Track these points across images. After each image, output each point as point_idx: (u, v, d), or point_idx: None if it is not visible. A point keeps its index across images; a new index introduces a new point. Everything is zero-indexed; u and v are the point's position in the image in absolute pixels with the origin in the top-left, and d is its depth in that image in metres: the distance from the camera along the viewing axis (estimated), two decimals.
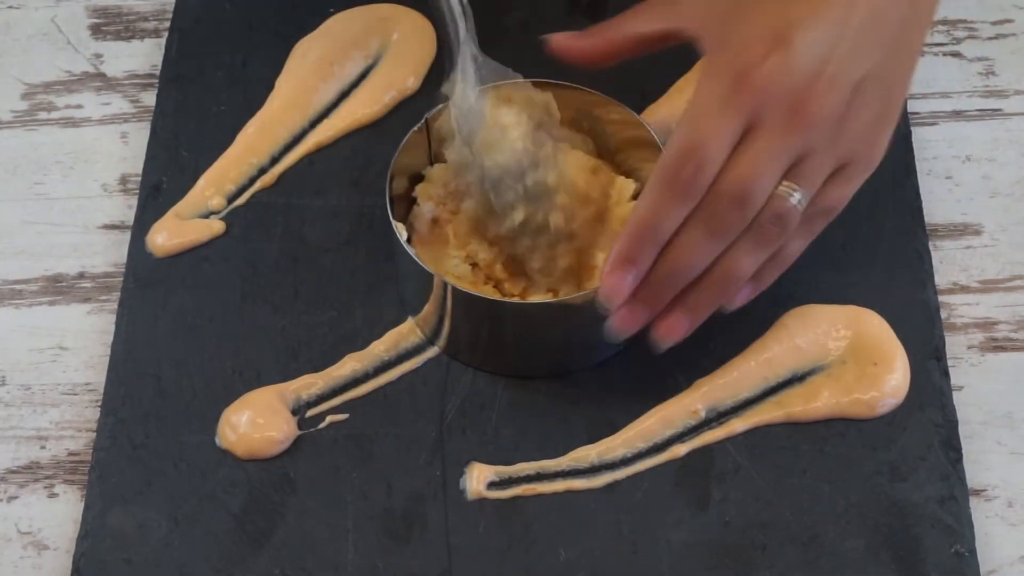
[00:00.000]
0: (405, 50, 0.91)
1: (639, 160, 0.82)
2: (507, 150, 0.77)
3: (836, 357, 0.80)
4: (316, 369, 0.81)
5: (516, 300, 0.78)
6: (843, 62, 0.70)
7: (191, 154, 0.88)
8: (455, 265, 0.80)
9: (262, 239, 0.85)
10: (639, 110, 0.84)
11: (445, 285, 0.77)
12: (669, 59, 0.82)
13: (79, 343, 0.83)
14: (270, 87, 0.90)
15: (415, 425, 0.79)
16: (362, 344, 0.81)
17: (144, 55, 0.94)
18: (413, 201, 0.83)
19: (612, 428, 0.78)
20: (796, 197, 0.71)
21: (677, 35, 0.75)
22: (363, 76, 0.90)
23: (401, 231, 0.79)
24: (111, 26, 0.96)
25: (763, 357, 0.80)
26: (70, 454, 0.80)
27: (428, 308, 0.79)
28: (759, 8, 0.70)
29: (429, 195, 0.82)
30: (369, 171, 0.86)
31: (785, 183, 0.71)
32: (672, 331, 0.74)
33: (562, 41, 0.78)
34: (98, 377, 0.82)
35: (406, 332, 0.82)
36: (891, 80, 0.72)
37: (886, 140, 0.73)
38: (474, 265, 0.80)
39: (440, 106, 0.80)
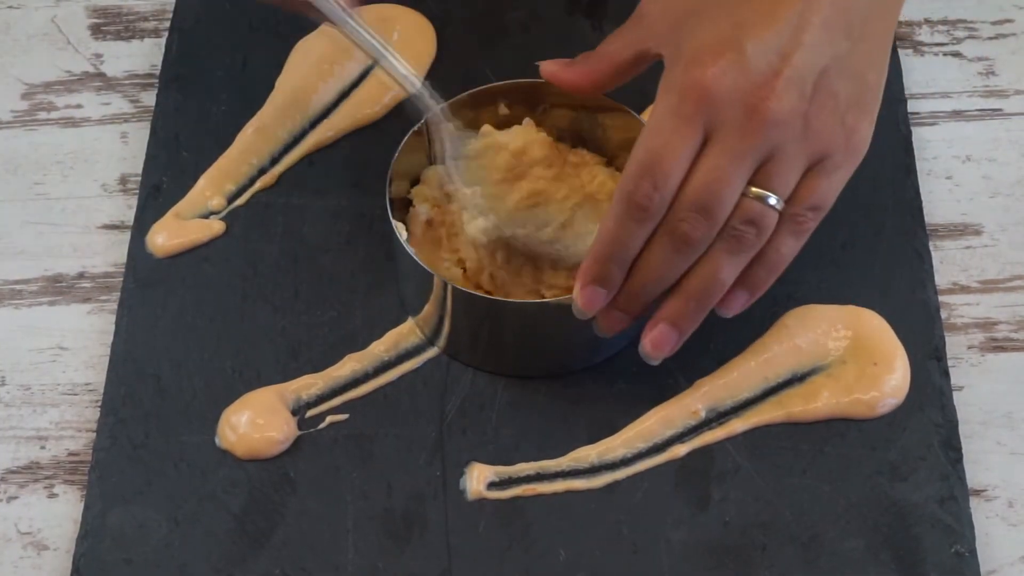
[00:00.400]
0: (405, 50, 0.91)
1: None
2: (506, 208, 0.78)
3: (836, 357, 0.80)
4: (316, 369, 0.81)
5: (516, 300, 0.78)
6: (800, 59, 0.69)
7: (191, 154, 0.88)
8: (446, 268, 0.80)
9: (262, 239, 0.85)
10: (639, 110, 0.84)
11: (445, 285, 0.77)
12: None
13: (79, 343, 0.83)
14: (270, 87, 0.90)
15: (415, 425, 0.79)
16: (362, 344, 0.81)
17: (144, 55, 0.94)
18: (411, 202, 0.83)
19: (612, 428, 0.78)
20: (769, 199, 0.71)
21: (646, 56, 0.75)
22: (363, 76, 0.90)
23: (401, 231, 0.79)
24: (111, 26, 0.96)
25: (763, 357, 0.80)
26: (70, 454, 0.80)
27: (428, 308, 0.79)
28: (709, 19, 0.70)
29: (424, 197, 0.82)
30: (369, 171, 0.86)
31: (754, 187, 0.70)
32: (660, 344, 0.74)
33: (551, 70, 0.78)
34: (98, 377, 0.82)
35: (406, 332, 0.82)
36: (861, 67, 0.71)
37: (867, 127, 0.72)
38: (464, 270, 0.80)
39: (440, 107, 0.80)
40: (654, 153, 0.70)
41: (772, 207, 0.71)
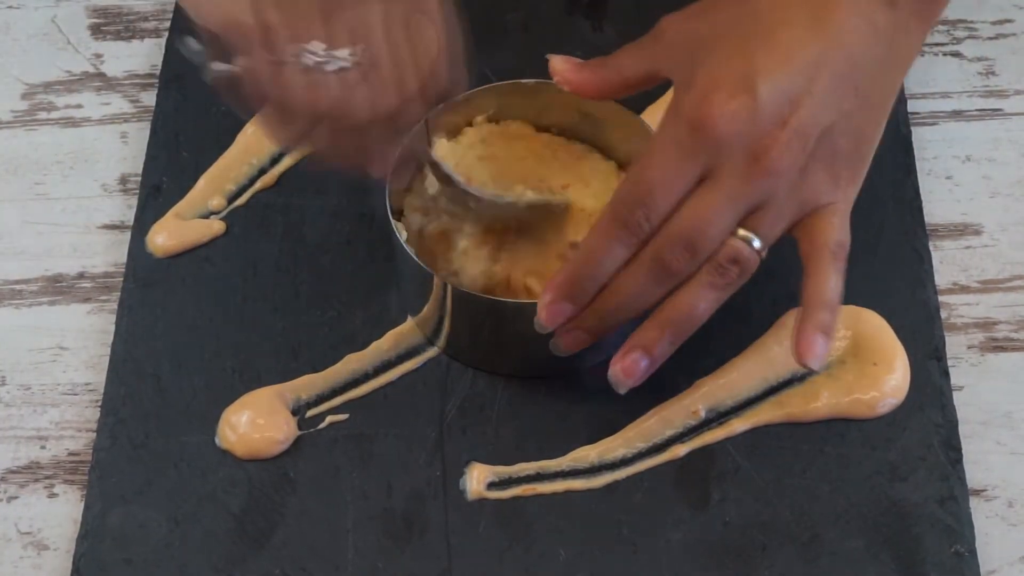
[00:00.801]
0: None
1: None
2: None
3: (836, 357, 0.80)
4: (316, 369, 0.81)
5: (516, 300, 0.78)
6: (809, 112, 0.69)
7: (191, 154, 0.88)
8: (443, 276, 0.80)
9: (262, 239, 0.85)
10: (639, 110, 0.84)
11: (444, 286, 0.77)
12: None
13: (79, 343, 0.83)
14: None
15: (415, 425, 0.79)
16: (362, 344, 0.81)
17: (144, 55, 0.94)
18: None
19: (612, 428, 0.78)
20: (755, 243, 0.71)
21: (657, 75, 0.74)
22: None
23: (401, 230, 0.79)
24: (111, 26, 0.96)
25: (763, 357, 0.80)
26: (70, 454, 0.80)
27: (428, 309, 0.79)
28: (727, 52, 0.70)
29: (415, 207, 0.82)
30: None
31: (742, 229, 0.71)
32: (631, 371, 0.73)
33: (561, 69, 0.77)
34: (98, 377, 0.82)
35: (406, 332, 0.82)
36: (863, 124, 0.72)
37: (860, 178, 0.73)
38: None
39: (441, 107, 0.80)
40: (652, 183, 0.70)
41: (756, 251, 0.71)
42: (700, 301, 0.71)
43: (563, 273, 0.72)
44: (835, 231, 0.72)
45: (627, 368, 0.73)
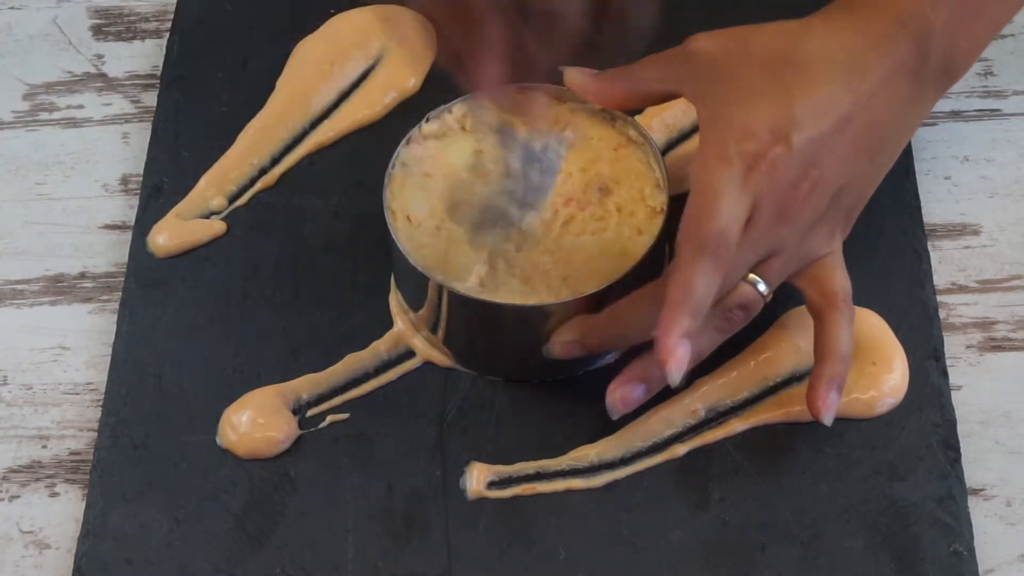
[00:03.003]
0: (405, 50, 0.91)
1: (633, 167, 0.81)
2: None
3: None
4: (316, 369, 0.81)
5: (515, 303, 0.77)
6: (831, 170, 0.71)
7: (192, 154, 0.88)
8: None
9: (263, 239, 0.85)
10: (640, 110, 0.84)
11: (441, 288, 0.76)
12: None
13: (80, 343, 0.84)
14: (271, 88, 0.90)
15: (415, 425, 0.79)
16: (362, 344, 0.81)
17: (145, 56, 0.95)
18: None
19: (612, 428, 0.78)
20: (760, 285, 0.73)
21: (678, 95, 0.76)
22: (363, 77, 0.90)
23: (399, 232, 0.78)
24: (112, 27, 0.96)
25: (763, 357, 0.80)
26: (71, 453, 0.80)
27: (425, 311, 0.79)
28: (760, 96, 0.71)
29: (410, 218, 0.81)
30: (369, 171, 0.86)
31: (752, 274, 0.72)
32: (629, 402, 0.75)
33: (577, 81, 0.78)
34: (99, 377, 0.82)
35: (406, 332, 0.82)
36: (869, 185, 0.75)
37: (850, 228, 0.76)
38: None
39: (442, 108, 0.80)
40: (726, 219, 0.70)
41: (762, 295, 0.73)
42: (704, 342, 0.73)
43: (599, 322, 0.75)
44: (843, 280, 0.75)
45: (625, 397, 0.75)
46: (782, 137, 0.70)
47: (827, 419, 0.75)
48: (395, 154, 0.80)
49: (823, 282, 0.75)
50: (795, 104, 0.70)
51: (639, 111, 0.84)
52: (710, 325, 0.73)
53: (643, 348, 0.74)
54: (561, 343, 0.76)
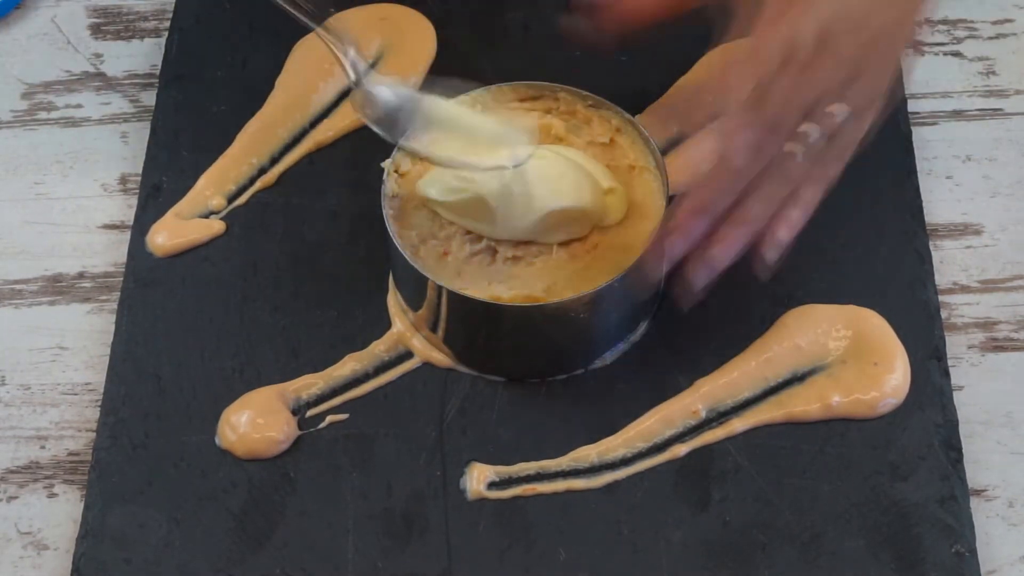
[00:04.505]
0: (405, 50, 0.91)
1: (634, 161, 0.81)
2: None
3: (836, 357, 0.80)
4: (316, 369, 0.81)
5: (514, 303, 0.77)
6: (860, 13, 0.73)
7: (191, 154, 0.88)
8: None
9: (262, 239, 0.85)
10: (640, 110, 0.84)
11: (440, 289, 0.76)
12: (668, 61, 0.82)
13: (79, 343, 0.83)
14: (270, 87, 0.90)
15: (415, 425, 0.79)
16: (362, 344, 0.81)
17: (144, 55, 0.94)
18: None
19: (612, 428, 0.78)
20: (814, 134, 0.74)
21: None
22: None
23: (397, 234, 0.78)
24: (111, 26, 0.96)
25: (763, 357, 0.80)
26: (70, 454, 0.80)
27: (424, 312, 0.79)
28: None
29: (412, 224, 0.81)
30: (369, 171, 0.86)
31: (804, 123, 0.74)
32: (712, 261, 0.75)
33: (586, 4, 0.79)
34: (98, 377, 0.82)
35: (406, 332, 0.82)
36: (899, 35, 0.76)
37: (890, 85, 0.76)
38: None
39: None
40: (790, 82, 0.72)
41: (816, 142, 0.75)
42: (765, 195, 0.75)
43: (704, 184, 0.74)
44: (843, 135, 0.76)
45: (710, 258, 0.75)
46: None
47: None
48: (394, 152, 0.80)
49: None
50: None
51: (637, 112, 0.84)
52: (769, 175, 0.74)
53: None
54: (698, 264, 0.76)
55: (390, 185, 0.79)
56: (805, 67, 0.72)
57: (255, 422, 0.78)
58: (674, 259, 0.76)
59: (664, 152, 0.82)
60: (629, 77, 0.85)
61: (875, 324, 0.80)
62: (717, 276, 0.75)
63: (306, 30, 0.91)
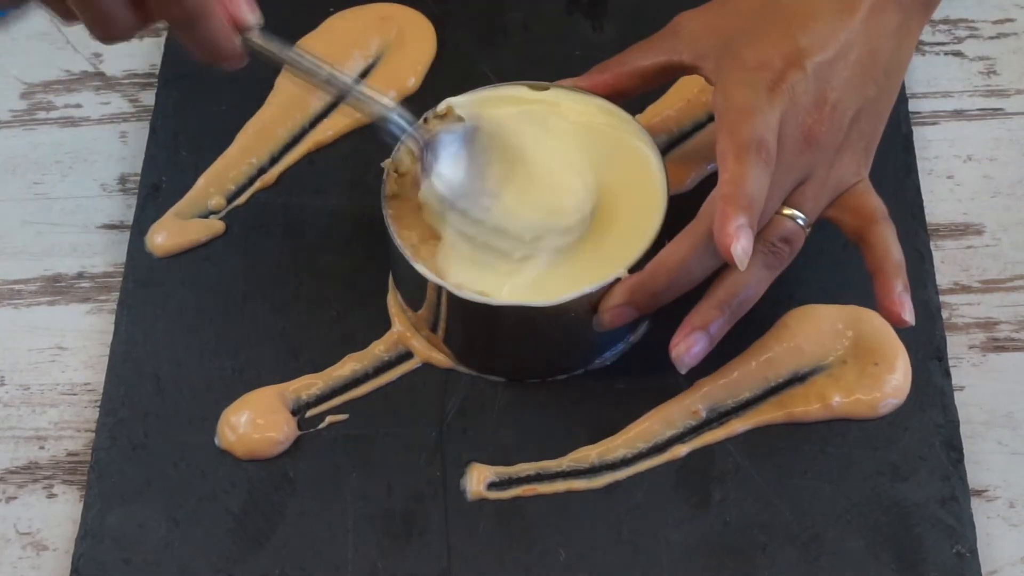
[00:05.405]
0: (405, 50, 0.91)
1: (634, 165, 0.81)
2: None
3: (837, 357, 0.80)
4: (316, 369, 0.80)
5: (514, 303, 0.77)
6: (844, 92, 0.73)
7: (191, 154, 0.88)
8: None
9: (262, 239, 0.85)
10: (640, 109, 0.84)
11: (440, 289, 0.76)
12: None
13: (78, 343, 0.83)
14: (270, 87, 0.90)
15: (415, 425, 0.79)
16: (362, 344, 0.81)
17: (143, 54, 0.94)
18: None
19: (612, 428, 0.78)
20: (800, 220, 0.74)
21: (676, 67, 0.77)
22: (363, 76, 0.90)
23: (397, 235, 0.78)
24: None
25: (764, 357, 0.80)
26: (69, 454, 0.80)
27: (423, 312, 0.79)
28: (765, 35, 0.74)
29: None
30: (369, 171, 0.86)
31: (787, 206, 0.74)
32: (695, 351, 0.74)
33: (572, 81, 0.80)
34: (97, 377, 0.82)
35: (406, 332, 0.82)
36: (880, 113, 0.76)
37: (872, 158, 0.77)
38: None
39: (443, 104, 0.80)
40: (761, 132, 0.71)
41: (801, 227, 0.74)
42: (754, 280, 0.73)
43: (644, 278, 0.74)
44: (878, 201, 0.76)
45: (691, 348, 0.74)
46: (795, 62, 0.72)
47: (909, 318, 0.74)
48: (394, 151, 0.80)
49: (858, 205, 0.76)
50: (798, 36, 0.73)
51: (637, 111, 0.84)
52: (758, 260, 0.73)
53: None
54: (610, 309, 0.75)
55: (390, 185, 0.79)
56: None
57: (255, 422, 0.78)
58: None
59: (664, 152, 0.82)
60: None
61: (876, 324, 0.80)
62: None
63: (306, 30, 0.92)
